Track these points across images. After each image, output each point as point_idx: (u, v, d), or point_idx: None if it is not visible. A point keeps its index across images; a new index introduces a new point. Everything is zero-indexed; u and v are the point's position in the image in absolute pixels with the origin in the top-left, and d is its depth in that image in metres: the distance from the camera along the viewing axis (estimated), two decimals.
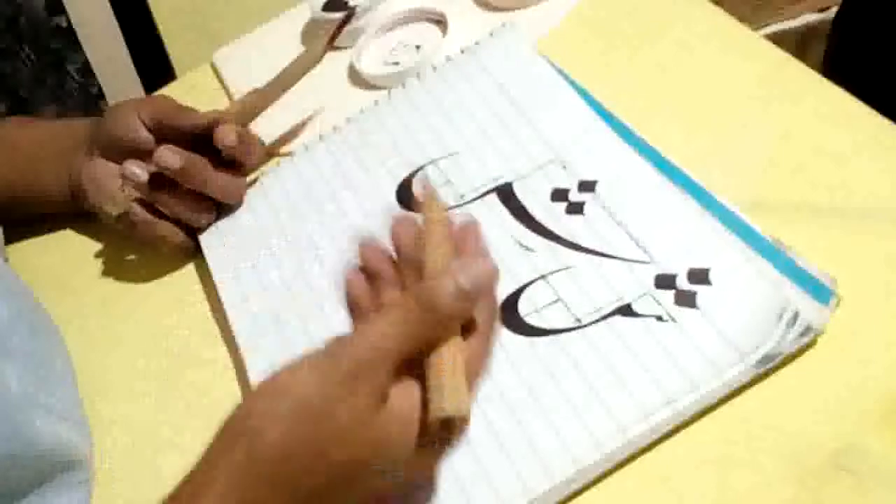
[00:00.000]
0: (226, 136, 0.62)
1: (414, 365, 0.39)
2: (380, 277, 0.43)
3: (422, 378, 0.38)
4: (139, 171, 0.62)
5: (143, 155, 0.63)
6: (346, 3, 0.75)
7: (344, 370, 0.37)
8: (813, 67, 0.58)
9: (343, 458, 0.37)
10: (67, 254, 0.71)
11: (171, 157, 0.61)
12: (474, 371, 0.39)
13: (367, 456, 0.37)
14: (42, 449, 0.52)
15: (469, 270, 0.38)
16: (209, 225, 0.66)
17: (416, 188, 0.60)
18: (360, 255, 0.43)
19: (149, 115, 0.65)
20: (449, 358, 0.38)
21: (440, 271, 0.39)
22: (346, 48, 0.75)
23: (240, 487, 0.36)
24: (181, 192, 0.63)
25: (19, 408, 0.52)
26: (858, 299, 0.46)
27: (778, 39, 1.25)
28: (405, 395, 0.38)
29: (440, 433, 0.38)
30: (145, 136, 0.65)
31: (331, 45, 0.68)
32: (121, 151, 0.64)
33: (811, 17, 1.27)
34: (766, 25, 1.27)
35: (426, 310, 0.38)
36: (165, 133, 0.64)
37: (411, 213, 0.44)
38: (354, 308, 0.43)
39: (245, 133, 0.64)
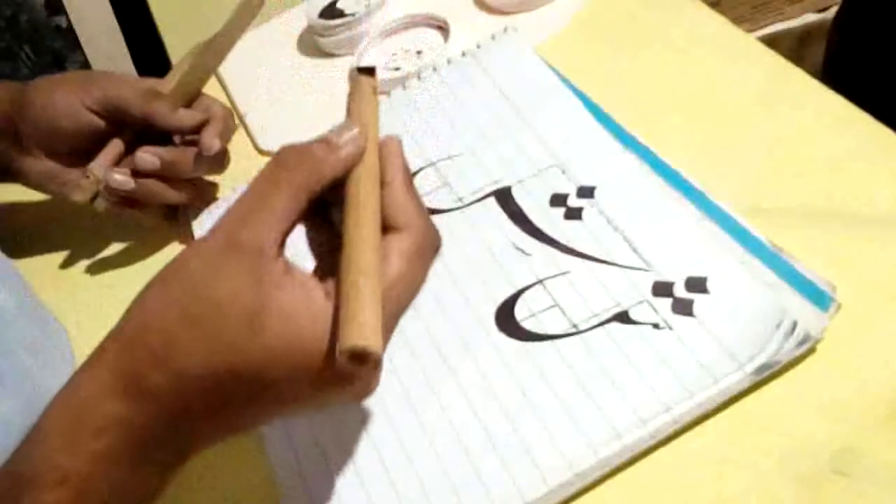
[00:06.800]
0: (213, 145, 0.62)
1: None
2: None
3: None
4: (121, 177, 0.62)
5: (98, 141, 0.63)
6: (342, 11, 0.76)
7: (223, 236, 0.36)
8: (812, 68, 0.59)
9: (223, 338, 0.35)
10: (63, 247, 0.71)
11: (150, 159, 0.61)
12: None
13: (245, 340, 0.35)
14: None
15: (340, 127, 0.41)
16: (191, 200, 0.66)
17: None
18: None
19: (97, 102, 0.62)
20: (366, 278, 0.35)
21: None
22: (346, 55, 0.75)
23: (127, 363, 0.36)
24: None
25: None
26: (858, 304, 0.46)
27: (777, 40, 1.25)
28: (300, 286, 0.36)
29: (348, 367, 0.34)
30: (98, 123, 0.63)
31: None
32: (71, 144, 0.63)
33: (811, 18, 1.27)
34: (766, 26, 1.28)
35: (288, 158, 0.39)
36: (120, 118, 0.63)
37: None
38: None
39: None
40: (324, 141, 0.40)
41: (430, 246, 0.39)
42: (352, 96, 0.44)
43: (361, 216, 0.38)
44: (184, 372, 0.35)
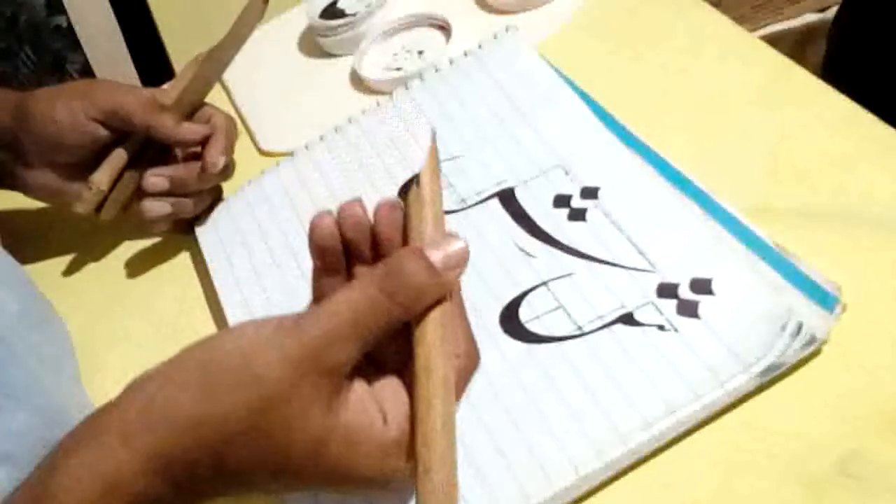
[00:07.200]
0: (218, 162, 0.62)
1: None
2: (354, 246, 0.41)
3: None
4: (157, 204, 0.62)
5: (100, 151, 0.63)
6: (343, 11, 0.76)
7: (304, 351, 0.35)
8: (813, 68, 0.58)
9: (287, 454, 0.36)
10: (69, 249, 0.71)
11: (160, 182, 0.62)
12: (464, 378, 0.39)
13: (307, 459, 0.36)
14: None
15: (442, 247, 0.37)
16: (198, 210, 0.66)
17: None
18: (340, 213, 0.41)
19: (100, 111, 0.61)
20: (443, 459, 0.36)
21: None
22: (347, 55, 0.75)
23: (177, 449, 0.35)
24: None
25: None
26: (863, 305, 0.46)
27: (777, 39, 1.25)
28: (364, 409, 0.37)
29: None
30: (100, 133, 0.62)
31: None
32: (73, 155, 0.63)
33: (811, 18, 1.27)
34: (766, 25, 1.27)
35: (395, 287, 0.36)
36: (123, 128, 0.62)
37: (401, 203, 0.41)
38: (320, 259, 0.41)
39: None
40: (429, 266, 0.37)
41: (473, 370, 0.40)
42: (416, 202, 0.40)
43: (435, 370, 0.37)
44: (236, 469, 0.36)
